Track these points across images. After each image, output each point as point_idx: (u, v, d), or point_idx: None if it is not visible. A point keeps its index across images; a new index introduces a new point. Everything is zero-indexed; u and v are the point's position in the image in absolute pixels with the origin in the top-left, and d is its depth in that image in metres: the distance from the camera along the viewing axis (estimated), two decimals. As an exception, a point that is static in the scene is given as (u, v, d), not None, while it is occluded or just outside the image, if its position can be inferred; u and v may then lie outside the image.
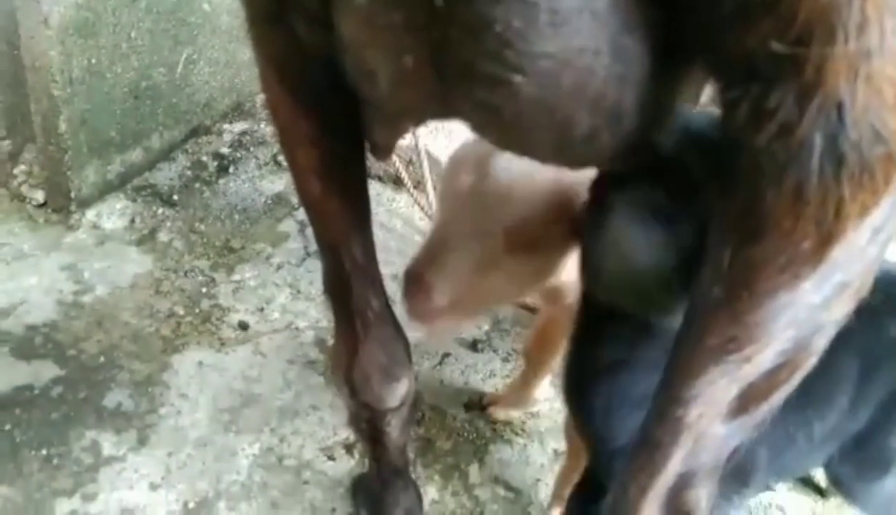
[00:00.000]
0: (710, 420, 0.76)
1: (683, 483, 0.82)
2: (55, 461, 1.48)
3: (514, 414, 1.69)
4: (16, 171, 2.13)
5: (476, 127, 0.72)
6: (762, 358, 0.71)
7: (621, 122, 0.64)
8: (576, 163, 0.77)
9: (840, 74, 0.53)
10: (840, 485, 1.26)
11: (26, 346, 1.71)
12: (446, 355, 1.87)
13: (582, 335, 1.05)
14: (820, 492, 1.64)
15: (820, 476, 1.62)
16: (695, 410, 0.74)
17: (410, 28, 0.59)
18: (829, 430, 1.14)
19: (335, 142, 0.92)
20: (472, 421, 1.71)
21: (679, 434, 0.76)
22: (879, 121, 0.55)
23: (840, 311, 0.71)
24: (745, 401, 0.77)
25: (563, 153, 0.70)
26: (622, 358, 0.99)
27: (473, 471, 1.61)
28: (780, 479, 1.39)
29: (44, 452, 1.49)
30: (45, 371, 1.66)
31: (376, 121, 0.91)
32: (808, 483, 1.66)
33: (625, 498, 0.83)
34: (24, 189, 2.12)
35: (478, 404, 1.72)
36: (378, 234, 2.22)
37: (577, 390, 1.06)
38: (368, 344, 1.11)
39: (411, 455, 1.61)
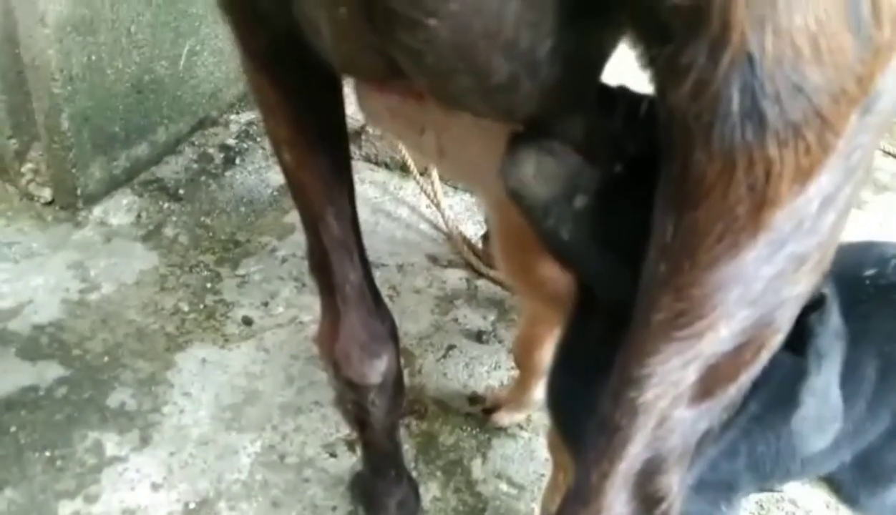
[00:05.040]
0: (671, 402, 0.74)
1: (653, 469, 0.80)
2: (58, 462, 1.50)
3: (518, 418, 1.66)
4: (23, 170, 2.14)
5: (411, 76, 0.74)
6: (716, 335, 0.69)
7: (539, 71, 0.65)
8: (504, 113, 0.78)
9: (745, 24, 0.51)
10: (842, 493, 1.21)
11: (32, 347, 1.72)
12: (451, 347, 1.84)
13: (573, 339, 1.02)
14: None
15: (834, 469, 1.57)
16: (649, 391, 0.72)
17: None
18: (843, 434, 1.09)
19: (304, 113, 0.95)
20: (475, 415, 1.69)
21: (635, 417, 0.74)
22: (797, 74, 0.52)
23: (801, 286, 0.69)
24: (710, 383, 0.75)
25: (489, 102, 0.72)
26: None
27: (476, 467, 1.60)
28: (789, 481, 1.34)
29: (48, 454, 1.51)
30: (50, 371, 1.67)
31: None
32: (821, 477, 1.61)
33: (587, 485, 0.80)
34: (31, 187, 2.13)
35: (481, 401, 1.70)
36: (384, 223, 2.23)
37: (565, 401, 1.03)
38: (348, 320, 1.11)
39: (413, 451, 1.60)
